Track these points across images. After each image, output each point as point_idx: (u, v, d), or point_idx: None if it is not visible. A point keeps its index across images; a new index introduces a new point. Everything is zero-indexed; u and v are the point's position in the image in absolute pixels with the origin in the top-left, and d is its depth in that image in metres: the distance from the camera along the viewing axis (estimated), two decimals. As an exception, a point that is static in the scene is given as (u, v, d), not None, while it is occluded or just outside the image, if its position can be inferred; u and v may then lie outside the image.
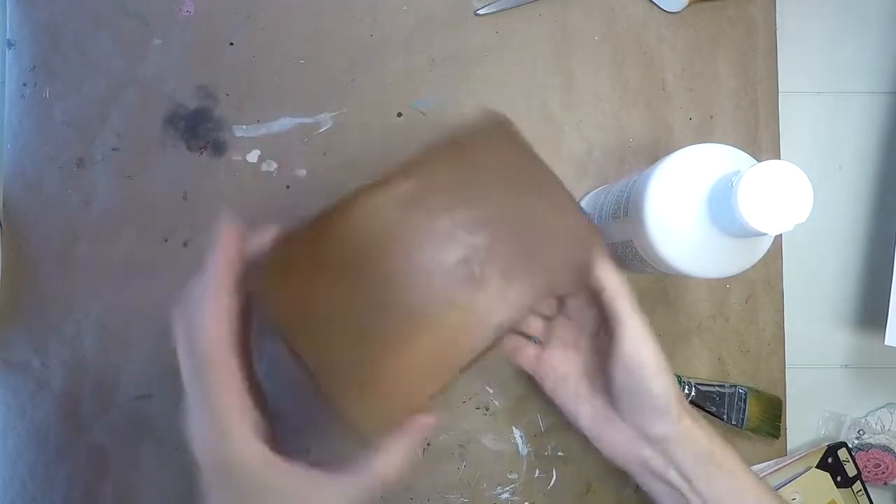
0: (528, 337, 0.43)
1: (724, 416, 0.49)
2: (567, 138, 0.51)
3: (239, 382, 0.28)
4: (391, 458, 0.30)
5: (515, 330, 0.43)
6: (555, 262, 0.33)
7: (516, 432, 0.50)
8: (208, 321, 0.28)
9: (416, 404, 0.30)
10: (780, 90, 0.52)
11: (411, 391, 0.30)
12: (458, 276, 0.31)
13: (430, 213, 0.31)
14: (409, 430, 0.30)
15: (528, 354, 0.43)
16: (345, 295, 0.30)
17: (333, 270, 0.30)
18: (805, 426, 0.52)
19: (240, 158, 0.50)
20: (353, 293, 0.30)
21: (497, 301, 0.32)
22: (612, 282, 0.35)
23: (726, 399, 0.49)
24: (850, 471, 0.50)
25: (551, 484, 0.49)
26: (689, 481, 0.36)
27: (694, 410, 0.38)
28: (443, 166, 0.32)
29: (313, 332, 0.29)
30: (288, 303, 0.29)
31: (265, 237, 0.31)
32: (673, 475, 0.36)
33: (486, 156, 0.32)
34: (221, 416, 0.27)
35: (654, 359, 0.35)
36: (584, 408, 0.40)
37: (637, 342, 0.35)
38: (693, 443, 0.36)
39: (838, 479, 0.50)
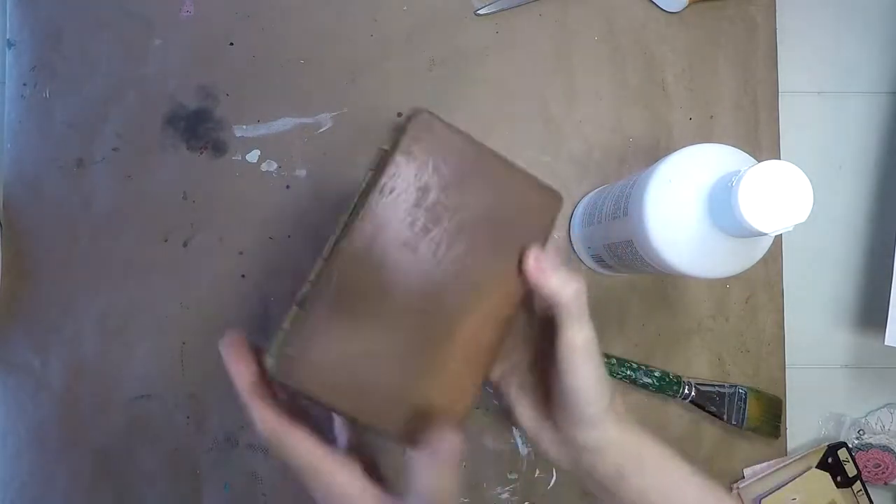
0: None
1: (724, 416, 0.49)
2: (567, 138, 0.51)
3: (319, 447, 0.31)
4: (426, 480, 0.30)
5: None
6: (529, 233, 0.33)
7: (516, 432, 0.49)
8: (262, 422, 0.31)
9: (459, 417, 0.31)
10: (780, 90, 0.52)
11: (453, 406, 0.31)
12: (455, 289, 0.32)
13: (406, 245, 0.31)
14: (438, 451, 0.30)
15: None
16: (359, 351, 0.30)
17: (350, 342, 0.31)
18: (805, 426, 0.52)
19: (240, 158, 0.50)
20: (365, 348, 0.31)
21: (497, 297, 0.32)
22: (554, 285, 0.33)
23: (726, 399, 0.49)
24: (850, 471, 0.50)
25: (551, 484, 0.49)
26: (621, 477, 0.36)
27: (621, 410, 0.37)
28: (394, 192, 0.31)
29: (345, 392, 0.30)
30: (308, 375, 0.30)
31: (242, 366, 0.32)
32: (605, 473, 0.36)
33: (424, 163, 0.32)
34: (323, 475, 0.31)
35: (590, 385, 0.34)
36: (527, 400, 0.38)
37: (574, 366, 0.33)
38: (621, 447, 0.36)
39: (838, 479, 0.50)
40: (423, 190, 0.32)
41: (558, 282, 0.33)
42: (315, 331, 0.30)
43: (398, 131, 0.32)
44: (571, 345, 0.33)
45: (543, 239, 0.34)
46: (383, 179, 0.31)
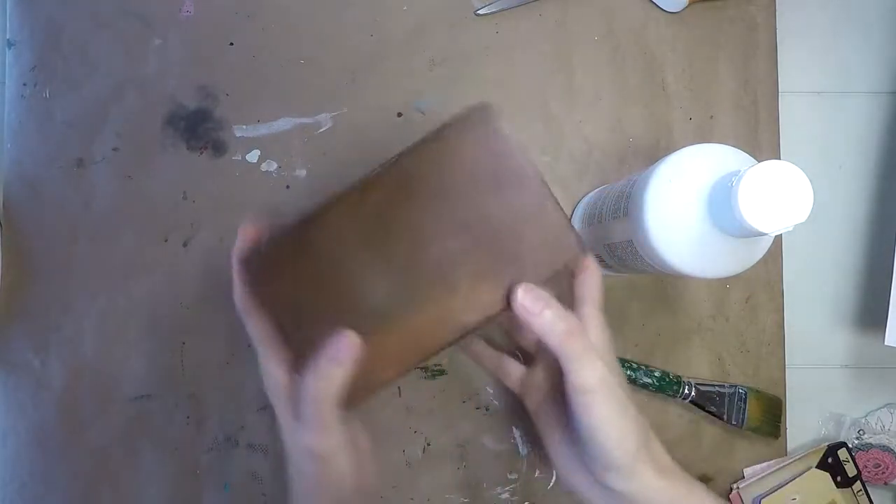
0: (514, 355, 0.41)
1: (724, 416, 0.49)
2: (567, 138, 0.51)
3: (267, 334, 0.33)
4: (318, 371, 0.31)
5: (504, 347, 0.41)
6: (530, 267, 0.32)
7: (516, 432, 0.50)
8: (236, 293, 0.34)
9: (374, 386, 0.32)
10: (780, 90, 0.52)
11: (373, 374, 0.32)
12: (430, 277, 0.32)
13: (407, 216, 0.32)
14: (336, 348, 0.31)
15: (512, 372, 0.40)
16: (324, 286, 0.32)
17: (314, 267, 0.32)
18: (805, 426, 0.52)
19: (240, 158, 0.50)
20: (331, 288, 0.32)
21: (466, 303, 0.32)
22: (540, 325, 0.31)
23: (726, 399, 0.49)
24: (850, 471, 0.50)
25: (551, 484, 0.49)
26: None
27: (663, 458, 0.35)
28: (420, 169, 0.32)
29: (298, 317, 0.32)
30: (278, 293, 0.32)
31: (250, 233, 0.34)
32: None
33: (466, 152, 0.32)
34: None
35: (609, 426, 0.32)
36: (558, 435, 0.36)
37: (585, 407, 0.32)
38: (660, 498, 0.34)
39: (838, 479, 0.50)
40: (452, 176, 0.32)
41: (547, 320, 0.31)
42: (293, 254, 0.32)
43: (454, 118, 0.32)
44: (578, 386, 0.32)
45: (545, 278, 0.32)
46: (420, 152, 0.32)
